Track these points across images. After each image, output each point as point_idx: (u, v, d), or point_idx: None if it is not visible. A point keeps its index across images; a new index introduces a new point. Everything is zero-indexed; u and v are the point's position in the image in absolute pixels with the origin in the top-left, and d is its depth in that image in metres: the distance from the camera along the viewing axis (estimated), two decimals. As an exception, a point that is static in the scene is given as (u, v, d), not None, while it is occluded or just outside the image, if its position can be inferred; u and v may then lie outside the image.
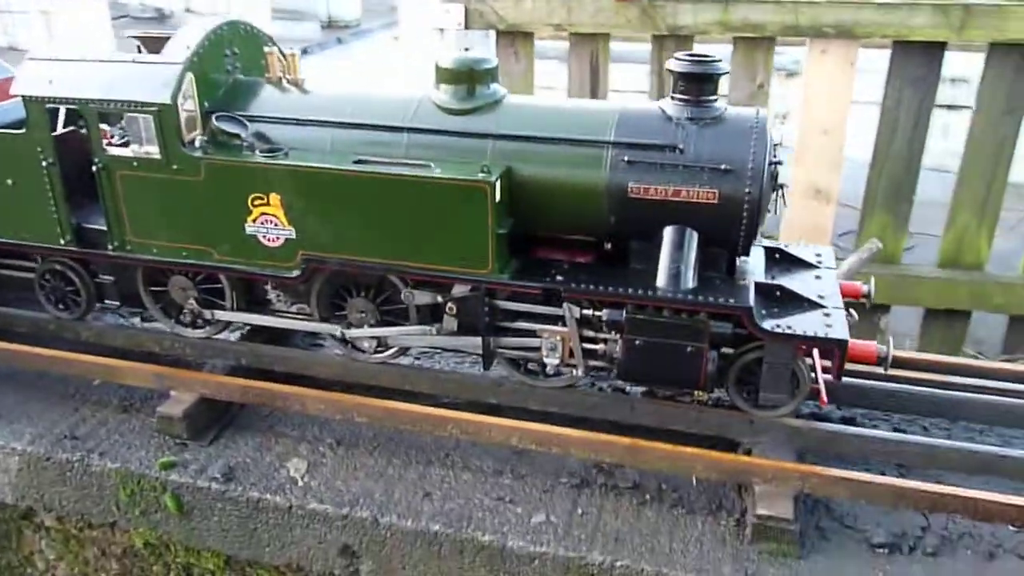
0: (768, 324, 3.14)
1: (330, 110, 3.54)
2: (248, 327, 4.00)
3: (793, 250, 3.68)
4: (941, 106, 7.12)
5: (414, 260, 3.38)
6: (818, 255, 3.70)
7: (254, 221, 3.49)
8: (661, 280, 3.23)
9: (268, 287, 3.86)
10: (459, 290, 3.44)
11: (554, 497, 3.40)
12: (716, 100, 3.26)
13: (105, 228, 3.72)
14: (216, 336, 3.99)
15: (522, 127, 3.35)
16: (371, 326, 3.70)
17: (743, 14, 4.89)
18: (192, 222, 3.57)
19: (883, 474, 3.30)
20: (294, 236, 3.47)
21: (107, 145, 3.55)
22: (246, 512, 3.49)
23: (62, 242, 3.79)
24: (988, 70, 4.03)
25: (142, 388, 4.00)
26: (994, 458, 3.26)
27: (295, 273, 3.53)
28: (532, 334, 3.46)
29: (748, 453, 3.42)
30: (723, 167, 3.13)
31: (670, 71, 3.30)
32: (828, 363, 3.23)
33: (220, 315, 3.91)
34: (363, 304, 3.68)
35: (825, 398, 3.27)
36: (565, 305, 3.32)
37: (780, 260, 3.64)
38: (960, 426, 3.73)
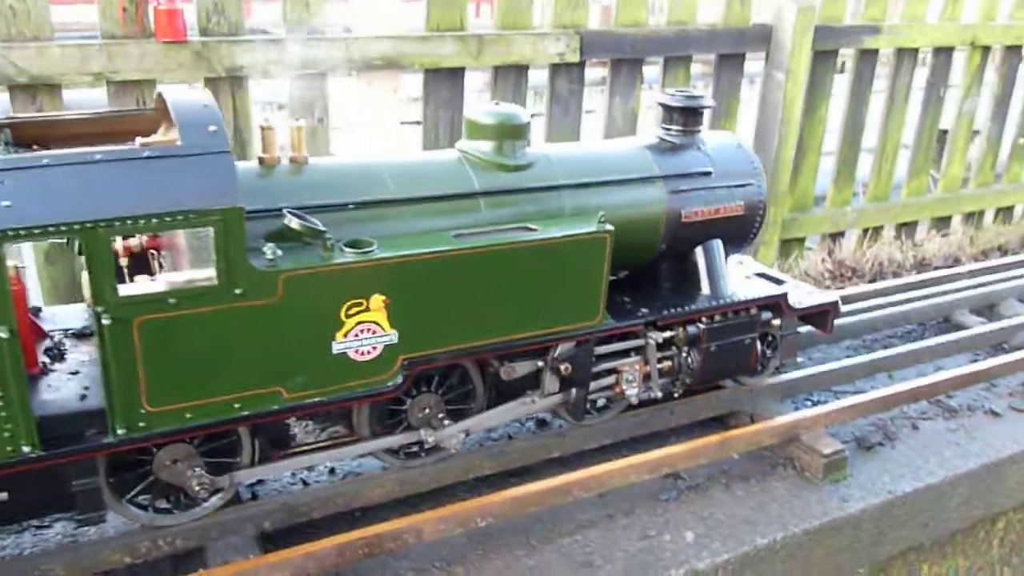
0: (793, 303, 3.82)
1: (378, 187, 2.99)
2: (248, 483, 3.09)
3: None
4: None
5: (524, 330, 3.14)
6: None
7: (345, 336, 2.79)
8: (706, 289, 3.64)
9: (293, 419, 3.06)
10: (564, 348, 3.30)
11: (675, 514, 3.56)
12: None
13: (96, 409, 2.51)
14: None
15: (582, 174, 3.36)
16: (440, 420, 3.25)
17: (300, 51, 5.25)
18: (255, 359, 2.67)
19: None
20: (396, 340, 2.88)
21: (121, 284, 2.41)
22: None
23: (25, 451, 2.42)
24: (496, 89, 5.32)
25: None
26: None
27: (395, 383, 2.93)
28: (610, 373, 3.51)
29: (752, 418, 4.06)
30: (746, 182, 3.67)
31: (664, 106, 3.68)
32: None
33: (241, 475, 2.96)
34: (429, 399, 3.21)
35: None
36: (649, 334, 3.48)
37: None
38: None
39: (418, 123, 5.48)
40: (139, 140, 2.78)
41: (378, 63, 4.96)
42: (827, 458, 3.80)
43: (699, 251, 3.65)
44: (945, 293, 5.42)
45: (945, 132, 7.70)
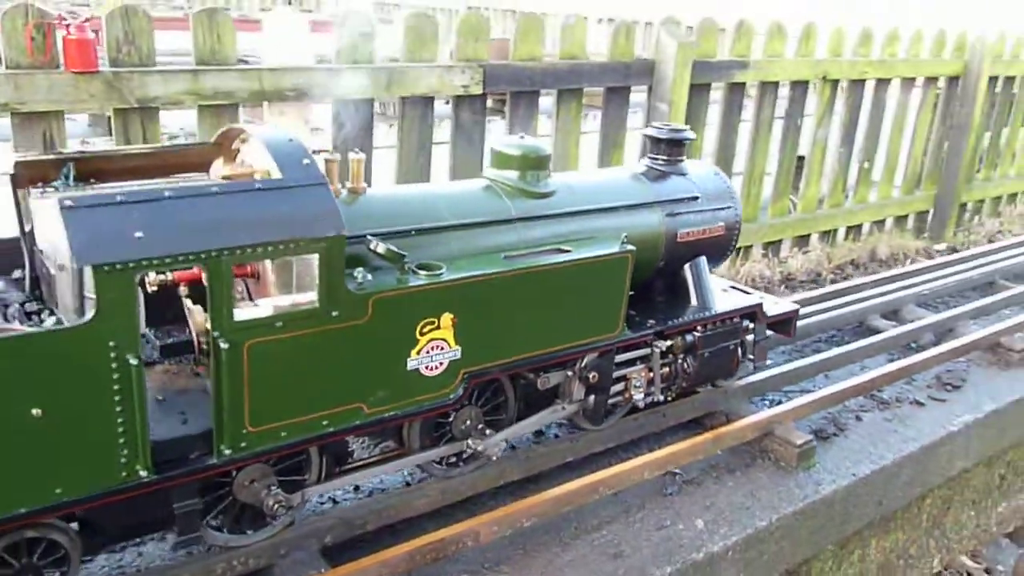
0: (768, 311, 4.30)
1: (435, 213, 3.23)
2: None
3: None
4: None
5: (559, 343, 3.44)
6: None
7: (418, 353, 3.01)
8: (694, 301, 4.07)
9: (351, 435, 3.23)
10: (589, 358, 3.61)
11: (681, 506, 3.93)
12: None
13: (203, 431, 2.62)
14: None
15: (595, 201, 3.71)
16: (481, 430, 3.49)
17: (213, 83, 5.35)
18: (343, 378, 2.85)
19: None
20: (459, 356, 3.12)
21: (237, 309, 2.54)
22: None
23: (142, 475, 2.49)
24: (404, 118, 5.40)
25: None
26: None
27: (456, 395, 3.16)
28: (620, 380, 3.85)
29: (728, 417, 4.51)
30: (725, 205, 4.13)
31: (652, 138, 4.10)
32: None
33: (311, 492, 3.09)
34: (470, 411, 3.45)
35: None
36: (656, 342, 3.86)
37: None
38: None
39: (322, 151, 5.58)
40: (217, 171, 2.92)
41: (290, 94, 5.08)
42: (800, 448, 4.29)
43: (687, 268, 4.08)
44: (859, 301, 6.12)
45: (802, 158, 8.35)
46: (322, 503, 3.68)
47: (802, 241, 8.46)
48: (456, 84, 5.56)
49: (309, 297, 2.68)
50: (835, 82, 8.15)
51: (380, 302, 2.83)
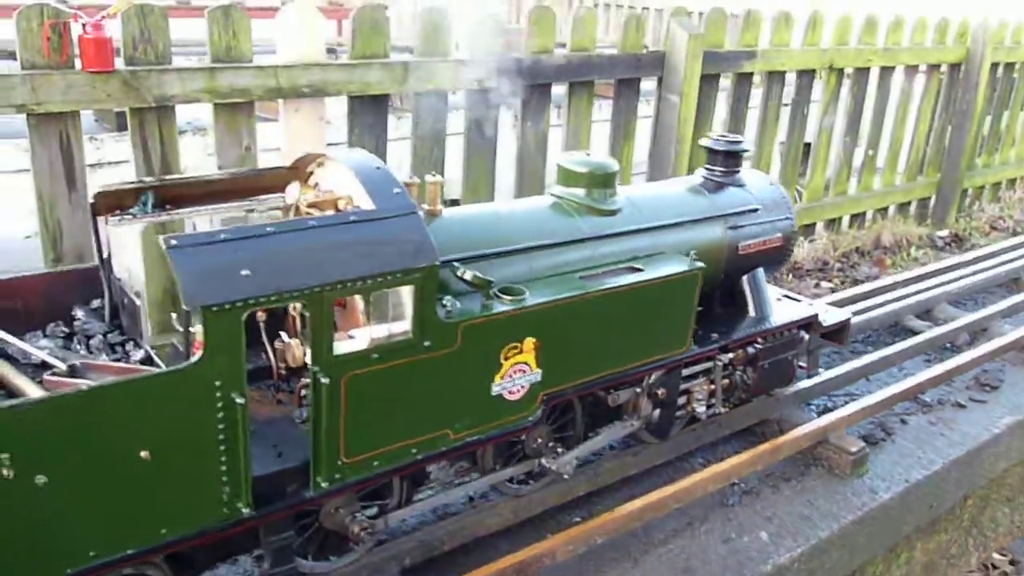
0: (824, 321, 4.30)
1: (511, 235, 3.21)
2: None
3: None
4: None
5: (631, 361, 3.44)
6: None
7: (502, 377, 2.99)
8: (752, 312, 4.07)
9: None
10: (658, 375, 3.61)
11: (744, 517, 3.95)
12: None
13: (298, 464, 2.60)
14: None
15: (660, 216, 3.70)
16: (553, 448, 3.48)
17: (229, 80, 5.30)
18: (432, 405, 2.83)
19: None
20: (539, 378, 3.11)
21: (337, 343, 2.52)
22: None
23: (243, 512, 2.47)
24: (419, 111, 5.38)
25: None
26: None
27: (535, 417, 3.15)
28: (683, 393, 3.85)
29: (779, 424, 4.53)
30: (783, 216, 4.13)
31: (709, 150, 4.09)
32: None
33: (393, 517, 3.09)
34: (541, 430, 3.44)
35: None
36: (718, 356, 3.86)
37: None
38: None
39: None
40: (292, 194, 2.88)
41: (306, 91, 5.06)
42: (853, 455, 4.31)
43: (746, 279, 4.07)
44: (894, 301, 6.14)
45: (808, 145, 8.33)
46: (400, 525, 3.68)
47: (808, 230, 8.48)
48: (470, 78, 5.49)
49: (403, 327, 2.66)
50: (840, 71, 8.13)
51: (469, 329, 2.81)
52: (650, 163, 6.91)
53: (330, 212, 2.85)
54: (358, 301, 2.82)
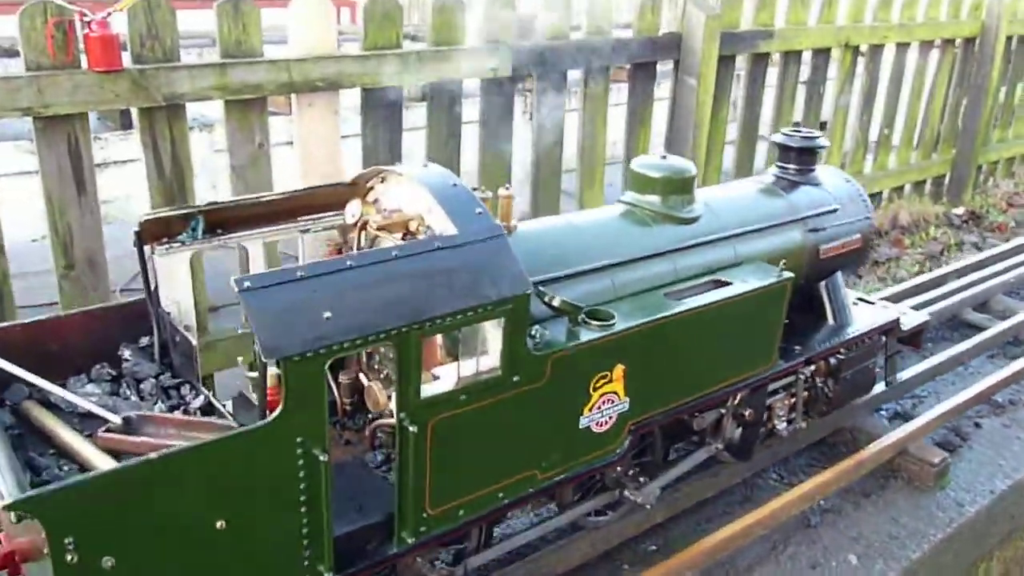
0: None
1: (590, 252, 2.94)
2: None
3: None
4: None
5: (717, 382, 3.17)
6: None
7: (591, 409, 2.73)
8: (831, 320, 3.80)
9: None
10: (743, 394, 3.35)
11: (828, 539, 3.70)
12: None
13: (380, 519, 2.34)
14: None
15: (740, 223, 3.42)
16: (634, 477, 3.22)
17: (241, 76, 5.03)
18: (520, 445, 2.57)
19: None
20: (627, 408, 2.84)
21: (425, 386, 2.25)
22: None
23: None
24: (432, 101, 5.22)
25: None
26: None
27: (622, 449, 2.89)
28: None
29: (852, 433, 4.27)
30: (862, 215, 3.85)
31: (782, 146, 3.80)
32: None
33: (473, 561, 2.83)
34: (624, 460, 3.18)
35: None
36: (801, 369, 3.59)
37: None
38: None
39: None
40: (353, 212, 2.61)
41: (319, 85, 4.83)
42: (936, 467, 4.06)
43: (823, 285, 3.80)
44: (951, 294, 5.87)
45: (824, 124, 8.05)
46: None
47: None
48: (485, 67, 5.28)
49: (490, 363, 2.39)
50: (855, 48, 7.87)
51: (558, 361, 2.54)
52: (667, 148, 6.62)
53: (399, 235, 2.58)
54: (437, 336, 2.55)
